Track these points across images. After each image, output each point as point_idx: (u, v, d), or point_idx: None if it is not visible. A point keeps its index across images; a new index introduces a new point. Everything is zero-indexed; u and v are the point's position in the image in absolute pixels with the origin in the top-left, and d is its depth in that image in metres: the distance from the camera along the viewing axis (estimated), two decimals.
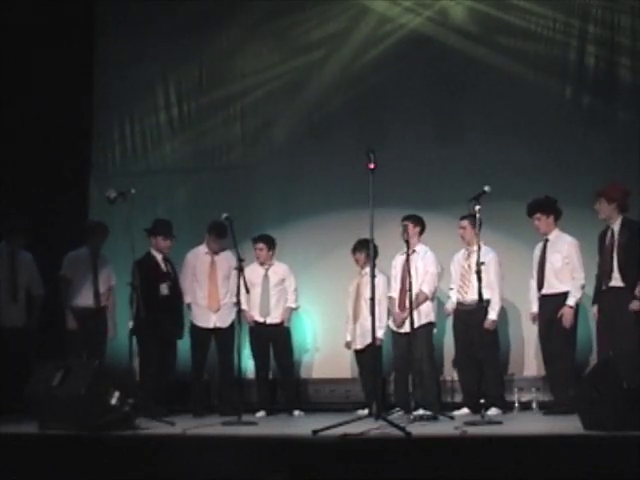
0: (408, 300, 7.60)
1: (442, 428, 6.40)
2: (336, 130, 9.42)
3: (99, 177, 9.91)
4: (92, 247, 8.60)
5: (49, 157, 9.40)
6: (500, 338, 8.11)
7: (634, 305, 7.17)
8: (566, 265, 7.66)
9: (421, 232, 8.13)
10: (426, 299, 8.00)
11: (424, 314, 7.95)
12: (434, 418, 7.13)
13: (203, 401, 8.42)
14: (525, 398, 8.11)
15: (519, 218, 8.00)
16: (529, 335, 8.40)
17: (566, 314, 7.56)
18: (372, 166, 6.27)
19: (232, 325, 8.11)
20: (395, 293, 8.12)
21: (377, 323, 6.89)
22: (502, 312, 8.13)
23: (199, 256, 8.53)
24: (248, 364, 8.60)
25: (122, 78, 9.91)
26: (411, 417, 6.99)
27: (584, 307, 7.76)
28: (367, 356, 8.01)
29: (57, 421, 6.23)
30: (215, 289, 8.44)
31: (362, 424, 5.90)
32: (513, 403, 8.00)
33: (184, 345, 8.40)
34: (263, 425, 7.02)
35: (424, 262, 8.02)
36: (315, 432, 5.61)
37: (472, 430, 5.92)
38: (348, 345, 8.50)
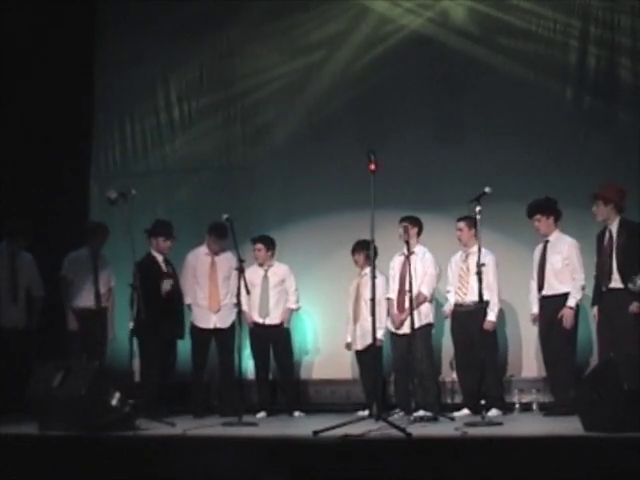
0: (408, 301, 7.61)
1: (442, 429, 6.41)
2: (336, 131, 9.41)
3: (99, 177, 9.91)
4: (92, 248, 8.59)
5: (49, 157, 9.39)
6: (500, 339, 8.12)
7: (634, 307, 7.16)
8: (566, 266, 7.66)
9: (419, 233, 8.12)
10: (425, 300, 8.00)
11: (423, 315, 7.95)
12: (434, 419, 7.15)
13: (203, 402, 8.41)
14: (525, 399, 8.10)
15: (519, 219, 8.00)
16: (529, 336, 8.39)
17: (566, 315, 7.56)
18: (373, 167, 6.26)
19: (232, 326, 8.10)
20: (393, 294, 8.12)
21: (377, 324, 6.89)
22: (502, 313, 8.15)
23: (199, 257, 8.52)
24: (248, 365, 8.59)
25: (122, 78, 9.89)
26: (411, 418, 7.01)
27: (584, 308, 7.75)
28: (367, 357, 8.01)
29: (57, 422, 6.24)
30: (215, 290, 8.44)
31: (362, 425, 5.91)
32: (513, 404, 8.00)
33: (184, 346, 8.40)
34: (263, 426, 7.02)
35: (423, 263, 8.02)
36: (316, 433, 5.62)
37: (472, 431, 5.94)
38: (348, 346, 8.49)
